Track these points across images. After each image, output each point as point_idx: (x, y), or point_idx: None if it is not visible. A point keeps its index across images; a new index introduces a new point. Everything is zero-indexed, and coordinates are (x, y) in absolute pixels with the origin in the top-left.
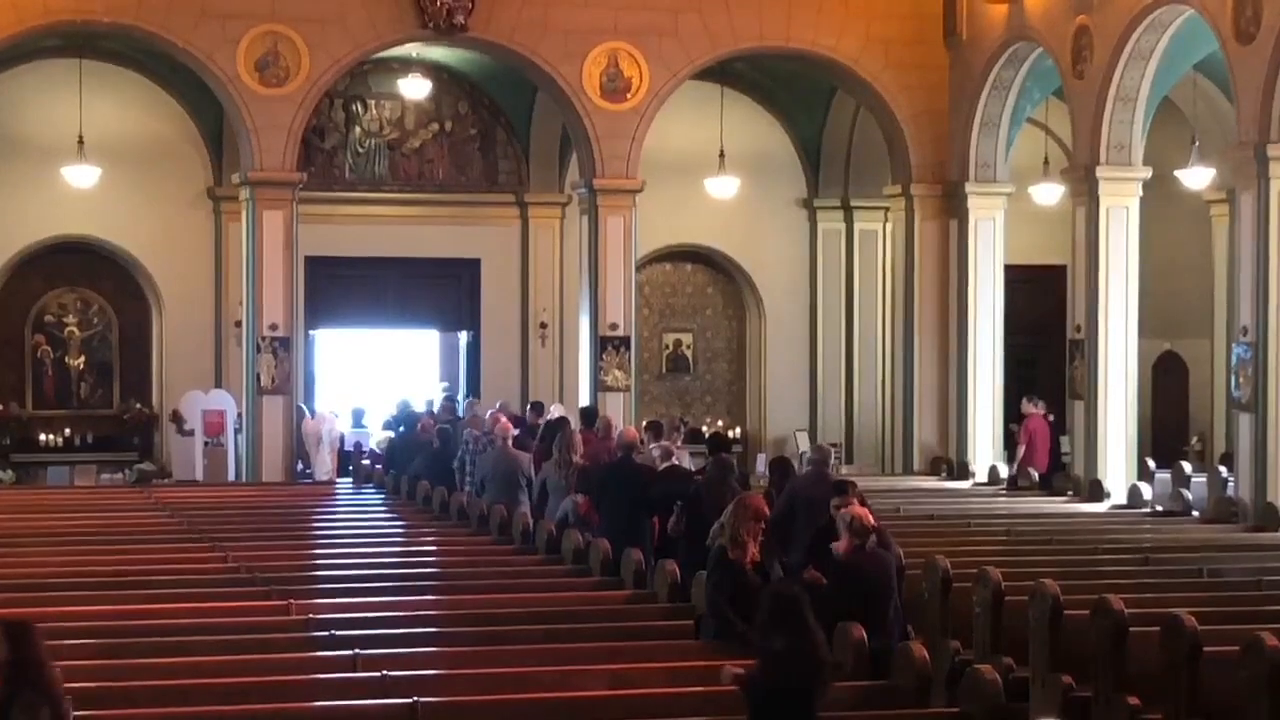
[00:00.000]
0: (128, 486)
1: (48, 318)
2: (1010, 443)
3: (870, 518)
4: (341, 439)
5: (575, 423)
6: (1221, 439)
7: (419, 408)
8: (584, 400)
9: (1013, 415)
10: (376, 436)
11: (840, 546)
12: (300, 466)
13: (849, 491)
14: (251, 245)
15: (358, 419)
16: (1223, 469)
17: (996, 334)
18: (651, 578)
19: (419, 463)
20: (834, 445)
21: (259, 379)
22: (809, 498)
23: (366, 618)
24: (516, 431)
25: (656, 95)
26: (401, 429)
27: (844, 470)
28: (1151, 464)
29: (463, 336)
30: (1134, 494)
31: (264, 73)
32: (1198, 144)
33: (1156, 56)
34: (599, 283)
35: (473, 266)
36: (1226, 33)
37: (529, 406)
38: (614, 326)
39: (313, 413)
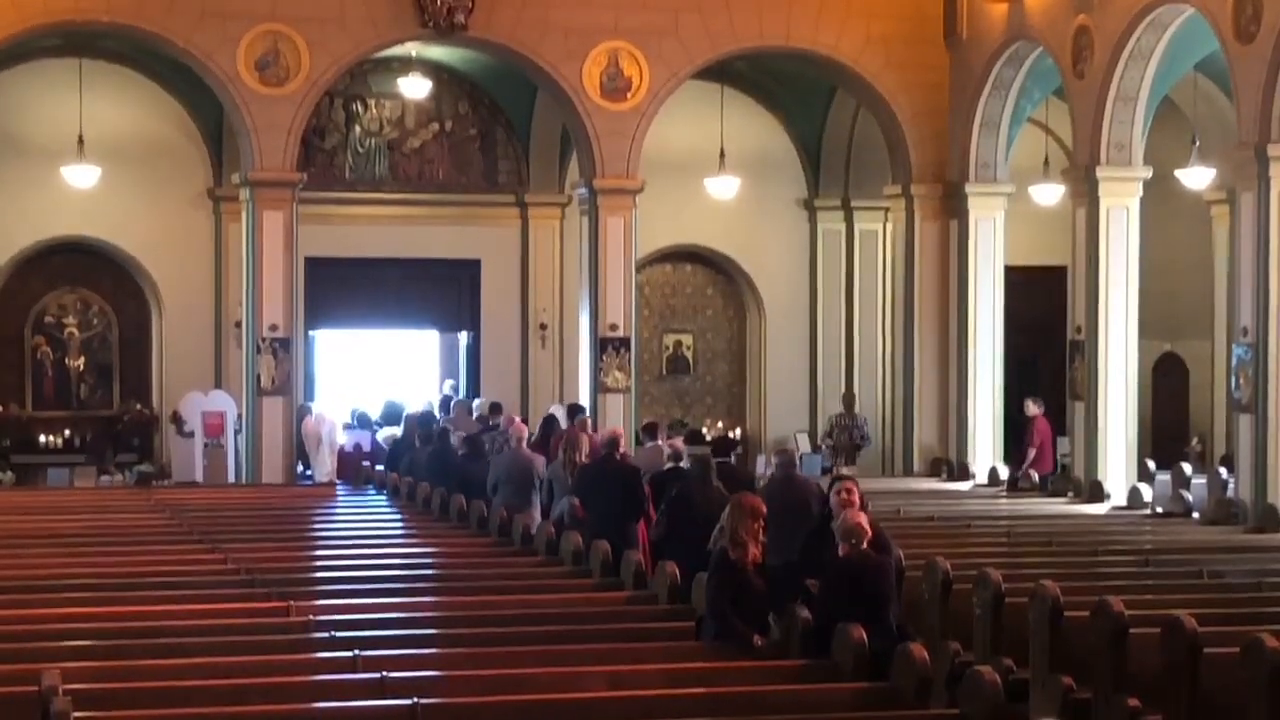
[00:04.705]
0: (127, 488)
1: (47, 318)
2: (1013, 444)
3: (864, 521)
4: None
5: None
6: (1222, 440)
7: (410, 408)
8: (584, 400)
9: (1013, 416)
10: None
11: (842, 550)
12: (300, 468)
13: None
14: (251, 245)
15: (357, 419)
16: (1223, 470)
17: (996, 334)
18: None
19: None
20: (833, 446)
21: (259, 380)
22: (780, 501)
23: (366, 619)
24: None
25: (657, 95)
26: (396, 430)
27: (844, 471)
28: (1152, 465)
29: (463, 337)
30: (1134, 495)
31: (264, 72)
32: (1198, 144)
33: (1156, 56)
34: (599, 283)
35: (473, 267)
36: (1227, 32)
37: (489, 406)
38: (614, 327)
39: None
